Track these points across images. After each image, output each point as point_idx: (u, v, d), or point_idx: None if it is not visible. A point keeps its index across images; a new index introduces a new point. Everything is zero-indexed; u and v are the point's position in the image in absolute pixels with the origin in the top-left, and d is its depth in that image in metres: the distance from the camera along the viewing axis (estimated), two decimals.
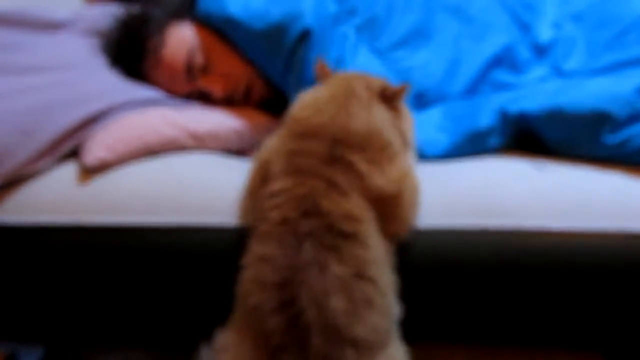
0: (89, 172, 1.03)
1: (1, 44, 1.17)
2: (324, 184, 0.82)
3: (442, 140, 1.08)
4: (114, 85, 1.14)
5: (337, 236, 0.79)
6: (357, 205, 0.82)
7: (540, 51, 1.21)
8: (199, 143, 1.12)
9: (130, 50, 1.20)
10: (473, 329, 1.03)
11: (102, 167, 1.03)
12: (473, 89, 1.18)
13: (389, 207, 0.86)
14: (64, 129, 1.04)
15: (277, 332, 0.77)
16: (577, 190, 0.98)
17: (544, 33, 1.22)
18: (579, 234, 0.95)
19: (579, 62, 1.17)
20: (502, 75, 1.19)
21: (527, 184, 0.99)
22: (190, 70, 1.19)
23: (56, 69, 1.13)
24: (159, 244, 0.99)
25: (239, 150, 1.18)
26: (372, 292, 0.79)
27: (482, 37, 1.21)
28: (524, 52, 1.20)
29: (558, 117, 1.02)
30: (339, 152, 0.84)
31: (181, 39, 1.20)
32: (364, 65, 1.17)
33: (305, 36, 1.12)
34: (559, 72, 1.18)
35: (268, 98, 1.24)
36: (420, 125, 1.09)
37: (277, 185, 0.84)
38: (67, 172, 1.04)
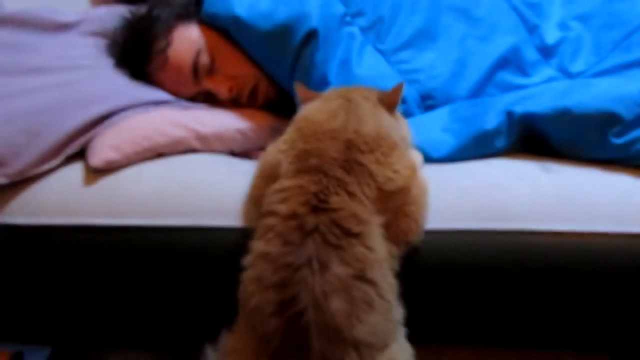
0: (95, 173, 1.03)
1: (8, 45, 1.18)
2: (334, 183, 0.82)
3: (447, 141, 1.07)
4: (120, 87, 1.14)
5: (342, 234, 0.79)
6: (364, 209, 0.82)
7: (547, 52, 1.20)
8: (205, 144, 1.12)
9: (136, 51, 1.20)
10: (479, 330, 1.03)
11: (108, 168, 1.03)
12: (479, 90, 1.18)
13: (399, 203, 0.86)
14: (71, 130, 1.04)
15: (277, 334, 0.76)
16: (583, 192, 0.97)
17: (551, 34, 1.21)
18: (585, 236, 0.94)
19: (586, 63, 1.17)
20: (508, 76, 1.19)
21: (533, 186, 0.98)
22: (196, 71, 1.20)
23: (62, 70, 1.14)
24: (164, 245, 0.99)
25: (244, 152, 1.18)
26: (372, 293, 0.79)
27: (488, 39, 1.21)
28: (530, 54, 1.20)
29: (565, 118, 1.01)
30: (351, 155, 0.84)
31: (187, 39, 1.20)
32: (370, 67, 1.17)
33: (311, 37, 1.12)
34: (565, 73, 1.18)
35: (273, 99, 1.24)
36: (426, 127, 1.09)
37: (286, 182, 0.84)
38: (73, 173, 1.04)
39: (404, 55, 1.20)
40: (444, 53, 1.19)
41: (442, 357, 1.11)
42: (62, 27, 1.25)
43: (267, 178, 0.88)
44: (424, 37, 1.20)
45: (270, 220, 0.82)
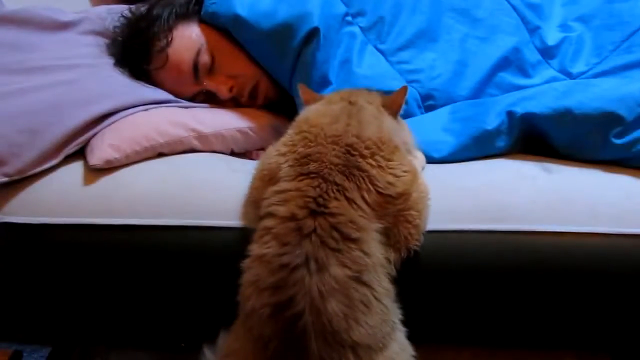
0: (95, 172, 1.03)
1: (9, 44, 1.18)
2: (334, 189, 0.82)
3: (448, 141, 1.07)
4: (120, 86, 1.14)
5: (341, 238, 0.79)
6: (363, 215, 0.82)
7: (548, 53, 1.20)
8: (205, 143, 1.12)
9: (136, 50, 1.20)
10: (479, 330, 1.03)
11: (107, 167, 1.03)
12: (480, 91, 1.18)
13: (400, 208, 0.86)
14: (71, 128, 1.04)
15: (274, 337, 0.76)
16: (584, 193, 0.97)
17: (552, 35, 1.21)
18: (585, 236, 0.94)
19: (586, 64, 1.17)
20: (509, 77, 1.18)
21: (534, 187, 0.98)
22: (196, 70, 1.20)
23: (62, 69, 1.14)
24: (164, 244, 0.99)
25: (244, 151, 1.18)
26: (369, 295, 0.79)
27: (489, 39, 1.21)
28: (531, 54, 1.20)
29: (566, 119, 1.01)
30: (351, 160, 0.84)
31: (188, 38, 1.20)
32: (371, 67, 1.17)
33: (312, 36, 1.12)
34: (566, 74, 1.18)
35: (273, 99, 1.24)
36: (427, 127, 1.09)
37: (286, 185, 0.84)
38: (73, 172, 1.04)
39: (405, 55, 1.19)
40: (445, 53, 1.19)
41: (442, 357, 1.11)
42: (62, 26, 1.25)
43: (266, 181, 0.88)
44: (424, 37, 1.20)
45: (268, 222, 0.82)
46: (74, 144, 1.05)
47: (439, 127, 1.10)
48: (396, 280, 0.85)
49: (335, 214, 0.80)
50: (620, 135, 1.00)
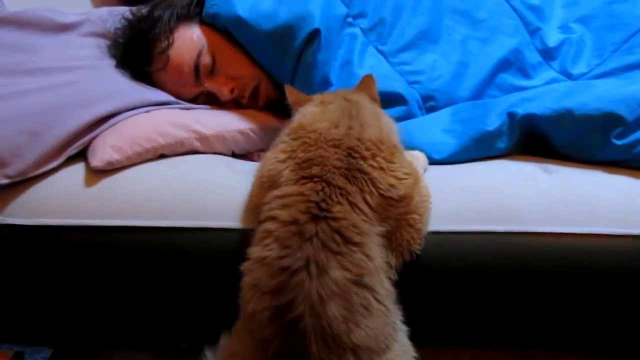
0: (96, 173, 1.03)
1: (10, 45, 1.18)
2: (337, 192, 0.81)
3: (449, 143, 1.07)
4: (122, 88, 1.14)
5: (342, 241, 0.79)
6: (365, 219, 0.82)
7: (549, 54, 1.21)
8: (206, 145, 1.12)
9: (137, 52, 1.20)
10: (481, 331, 1.03)
11: (109, 169, 1.03)
12: (481, 92, 1.18)
13: (401, 211, 0.86)
14: (72, 130, 1.04)
15: (275, 340, 0.76)
16: (585, 193, 0.97)
17: (552, 36, 1.21)
18: (586, 237, 0.94)
19: (587, 65, 1.17)
20: (510, 78, 1.19)
21: (535, 188, 0.98)
22: (197, 71, 1.20)
23: (64, 70, 1.14)
24: (165, 245, 0.99)
25: (245, 152, 1.18)
26: (370, 298, 0.79)
27: (489, 41, 1.21)
28: (532, 56, 1.20)
29: (567, 120, 1.01)
30: (353, 164, 0.84)
31: (189, 40, 1.20)
32: (372, 68, 1.17)
33: (313, 37, 1.12)
34: (567, 75, 1.18)
35: (275, 100, 1.24)
36: (427, 128, 1.09)
37: (288, 189, 0.83)
38: (75, 173, 1.04)
39: (406, 56, 1.19)
40: (446, 55, 1.19)
41: (443, 358, 1.11)
42: (64, 28, 1.25)
43: (265, 188, 0.88)
44: (425, 38, 1.20)
45: (270, 225, 0.81)
46: (76, 145, 1.05)
47: (439, 128, 1.10)
48: (397, 282, 0.85)
49: (338, 218, 0.80)
50: (621, 136, 1.00)
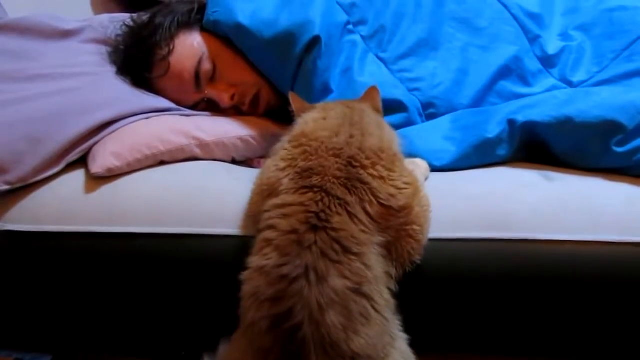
0: (96, 180, 1.03)
1: (11, 51, 1.18)
2: (336, 203, 0.81)
3: (449, 150, 1.07)
4: (122, 94, 1.15)
5: (342, 251, 0.78)
6: (364, 230, 0.82)
7: (549, 62, 1.21)
8: (206, 151, 1.12)
9: (138, 58, 1.21)
10: (482, 338, 1.02)
11: (109, 175, 1.03)
12: (481, 99, 1.18)
13: (401, 222, 0.86)
14: (72, 137, 1.04)
15: (274, 349, 0.76)
16: (585, 201, 0.97)
17: (552, 44, 1.22)
18: (587, 245, 0.94)
19: (587, 72, 1.18)
20: (510, 85, 1.19)
21: (536, 195, 0.98)
22: (198, 78, 1.20)
23: (64, 77, 1.14)
24: (165, 252, 0.99)
25: (245, 159, 1.18)
26: (369, 307, 0.78)
27: (489, 48, 1.21)
28: (532, 63, 1.20)
29: (567, 127, 1.01)
30: (353, 173, 0.84)
31: (189, 47, 1.21)
32: (372, 75, 1.17)
33: (314, 44, 1.13)
34: (567, 82, 1.18)
35: (275, 107, 1.24)
36: (428, 136, 1.09)
37: (287, 198, 0.83)
38: (75, 180, 1.04)
39: (406, 64, 1.20)
40: (446, 62, 1.19)
41: None
42: (65, 34, 1.26)
43: (265, 196, 0.87)
44: (425, 46, 1.21)
45: (269, 234, 0.81)
46: (76, 152, 1.05)
47: (440, 135, 1.10)
48: (398, 288, 0.85)
49: (337, 229, 0.79)
50: (621, 144, 1.00)
